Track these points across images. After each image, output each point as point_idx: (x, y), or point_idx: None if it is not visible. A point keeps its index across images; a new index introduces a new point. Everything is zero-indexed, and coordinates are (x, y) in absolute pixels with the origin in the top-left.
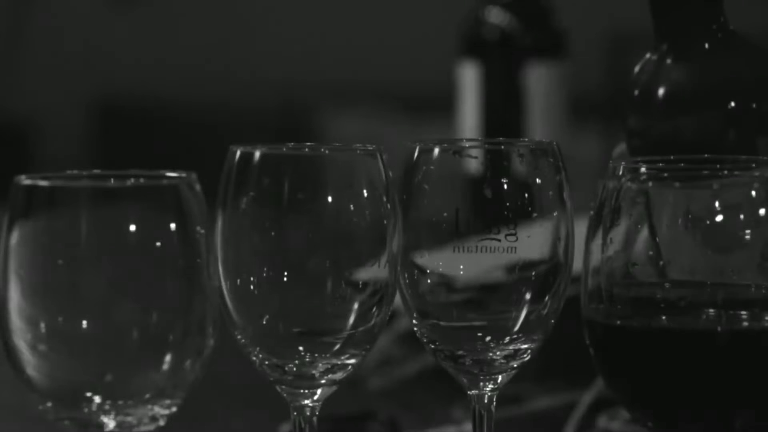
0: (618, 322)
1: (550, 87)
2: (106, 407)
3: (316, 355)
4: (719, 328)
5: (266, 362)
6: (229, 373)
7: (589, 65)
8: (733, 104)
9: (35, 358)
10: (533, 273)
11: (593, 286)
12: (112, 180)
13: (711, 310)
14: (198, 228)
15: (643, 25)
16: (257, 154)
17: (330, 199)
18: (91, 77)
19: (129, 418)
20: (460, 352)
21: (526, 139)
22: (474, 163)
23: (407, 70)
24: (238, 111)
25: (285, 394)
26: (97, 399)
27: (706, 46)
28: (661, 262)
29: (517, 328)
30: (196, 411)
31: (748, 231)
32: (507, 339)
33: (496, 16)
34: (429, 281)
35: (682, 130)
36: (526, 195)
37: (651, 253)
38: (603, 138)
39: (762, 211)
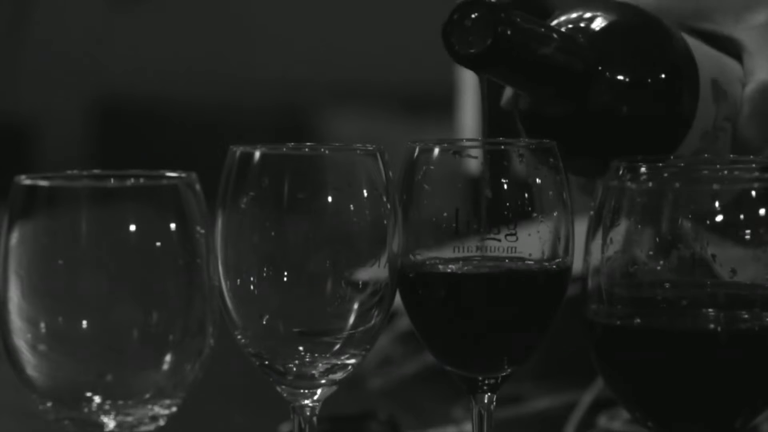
0: (618, 322)
1: None
2: (106, 407)
3: (316, 355)
4: (719, 328)
5: (266, 362)
6: (229, 373)
7: None
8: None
9: (35, 358)
10: None
11: (593, 286)
12: (112, 180)
13: (711, 310)
14: (198, 228)
15: None
16: (257, 154)
17: (330, 199)
18: (91, 77)
19: (129, 418)
20: None
21: (526, 139)
22: (474, 163)
23: (407, 70)
24: (238, 111)
25: (285, 394)
26: (97, 399)
27: None
28: (662, 262)
29: None
30: (196, 411)
31: (748, 231)
32: None
33: None
34: None
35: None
36: (526, 195)
37: (651, 253)
38: None
39: (762, 211)
